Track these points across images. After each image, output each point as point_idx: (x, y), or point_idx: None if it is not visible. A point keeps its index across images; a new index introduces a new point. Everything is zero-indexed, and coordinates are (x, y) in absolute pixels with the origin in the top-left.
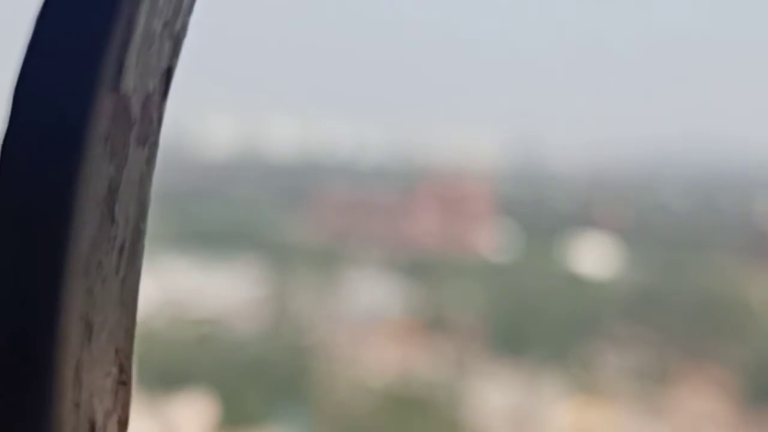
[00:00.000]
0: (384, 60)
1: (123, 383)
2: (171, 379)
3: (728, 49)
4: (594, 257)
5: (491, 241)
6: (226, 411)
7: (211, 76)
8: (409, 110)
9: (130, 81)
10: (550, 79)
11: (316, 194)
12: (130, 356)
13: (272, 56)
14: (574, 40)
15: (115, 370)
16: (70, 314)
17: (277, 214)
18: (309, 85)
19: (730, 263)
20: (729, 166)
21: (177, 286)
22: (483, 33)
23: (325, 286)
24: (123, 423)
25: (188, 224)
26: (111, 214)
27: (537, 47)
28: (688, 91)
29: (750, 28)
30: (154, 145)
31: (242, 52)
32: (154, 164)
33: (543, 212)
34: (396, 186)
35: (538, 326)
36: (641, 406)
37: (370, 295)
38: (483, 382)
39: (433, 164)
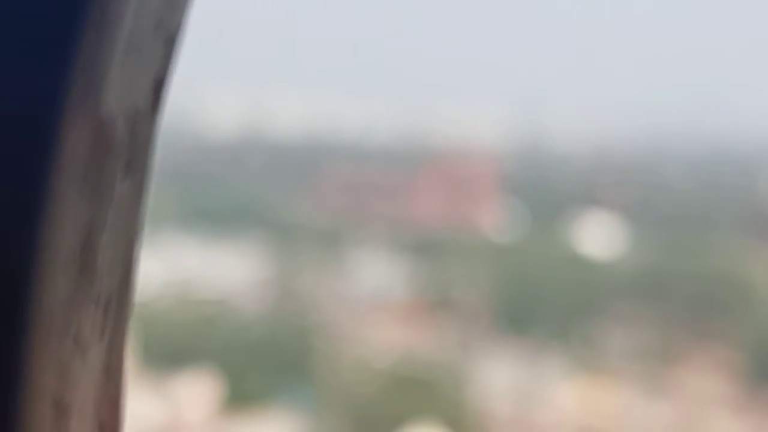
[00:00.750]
0: (390, 39)
1: None
2: (176, 358)
3: (731, 27)
4: (598, 237)
5: (496, 221)
6: (232, 390)
7: (214, 53)
8: (415, 90)
9: (113, 98)
10: (555, 59)
11: (321, 173)
12: (119, 428)
13: (277, 34)
14: (578, 20)
15: None
16: (38, 399)
17: (282, 193)
18: (314, 64)
19: (734, 242)
20: (733, 145)
21: (182, 266)
22: (489, 13)
23: (330, 266)
24: None
25: (193, 204)
26: (92, 265)
27: (542, 28)
28: (692, 70)
29: (752, 5)
30: (146, 169)
31: (246, 28)
32: (146, 192)
33: (547, 192)
34: (401, 165)
35: (543, 306)
36: (645, 385)
37: (375, 274)
38: (487, 362)
39: (438, 144)
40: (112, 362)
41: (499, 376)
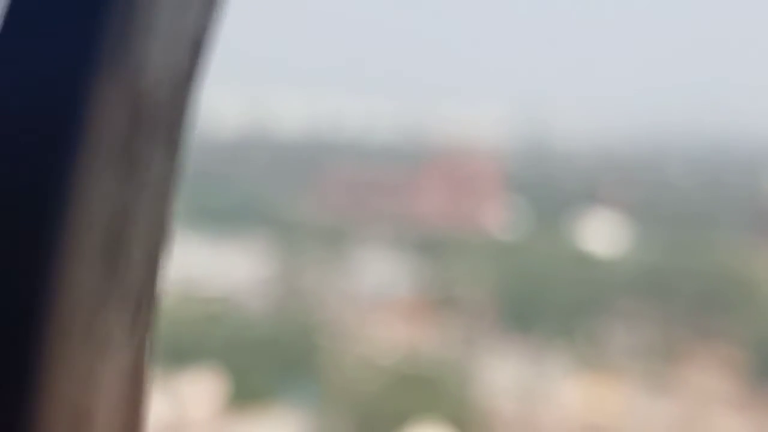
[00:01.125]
0: (394, 38)
1: None
2: (181, 355)
3: (734, 27)
4: (601, 235)
5: (499, 219)
6: (236, 387)
7: (217, 52)
8: (418, 88)
9: (152, 62)
10: (558, 58)
11: (324, 172)
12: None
13: (279, 33)
14: (581, 20)
15: None
16: (56, 406)
17: (286, 191)
18: (316, 63)
19: (737, 240)
20: (735, 143)
21: (186, 264)
22: (492, 13)
23: (334, 264)
24: None
25: (197, 202)
26: (123, 256)
27: (544, 28)
28: (694, 69)
29: (755, 4)
30: (184, 140)
31: (249, 27)
32: (182, 165)
33: (551, 190)
34: (404, 164)
35: (547, 304)
36: (649, 383)
37: (379, 272)
38: (491, 359)
39: (441, 142)
40: (138, 365)
41: (503, 374)
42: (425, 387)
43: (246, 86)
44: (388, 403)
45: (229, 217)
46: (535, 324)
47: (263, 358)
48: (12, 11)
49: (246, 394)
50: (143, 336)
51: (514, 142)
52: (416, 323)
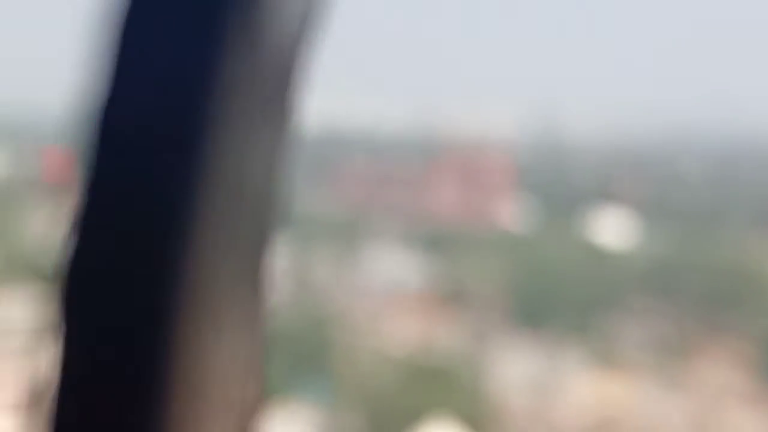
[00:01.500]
0: (405, 34)
1: None
2: None
3: (746, 24)
4: (613, 230)
5: (511, 214)
6: None
7: None
8: (431, 84)
9: (281, 15)
10: (570, 55)
11: (338, 167)
12: (258, 417)
13: None
14: (590, 14)
15: None
16: (176, 382)
17: (299, 186)
18: (330, 58)
19: (747, 236)
20: (745, 140)
21: None
22: (502, 8)
23: (347, 259)
24: None
25: None
26: (243, 211)
27: (554, 22)
28: (706, 66)
29: None
30: (298, 105)
31: None
32: (292, 129)
33: (562, 185)
34: (417, 159)
35: (558, 299)
36: (660, 377)
37: (391, 267)
38: (503, 354)
39: (453, 138)
40: (257, 317)
41: (515, 369)
42: (437, 382)
43: None
44: (400, 398)
45: None
46: (547, 319)
47: (276, 352)
48: None
49: None
50: (261, 289)
51: (525, 138)
52: (428, 318)
